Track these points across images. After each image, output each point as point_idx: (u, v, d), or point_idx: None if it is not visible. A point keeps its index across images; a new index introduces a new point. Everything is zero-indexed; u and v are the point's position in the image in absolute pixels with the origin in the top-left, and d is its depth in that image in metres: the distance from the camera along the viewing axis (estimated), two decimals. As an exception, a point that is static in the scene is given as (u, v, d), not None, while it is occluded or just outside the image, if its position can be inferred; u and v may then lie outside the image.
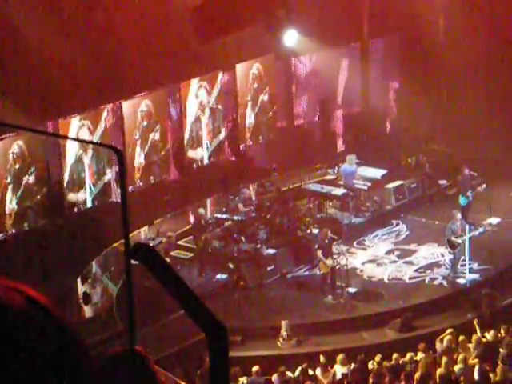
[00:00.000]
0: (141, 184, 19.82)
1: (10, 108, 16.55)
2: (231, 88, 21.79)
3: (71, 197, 18.38)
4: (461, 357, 13.71)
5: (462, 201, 18.76)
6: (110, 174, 19.00)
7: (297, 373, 14.17)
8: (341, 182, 20.09)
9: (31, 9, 17.32)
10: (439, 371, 13.50)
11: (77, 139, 18.59)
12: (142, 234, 18.64)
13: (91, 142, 19.66)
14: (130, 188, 19.11)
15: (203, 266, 17.58)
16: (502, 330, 14.75)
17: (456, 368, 13.61)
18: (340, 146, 23.58)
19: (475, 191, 18.85)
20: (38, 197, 17.79)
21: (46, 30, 17.48)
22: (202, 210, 18.70)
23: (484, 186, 18.99)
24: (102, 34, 18.57)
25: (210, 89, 21.09)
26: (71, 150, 18.36)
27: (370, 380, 13.95)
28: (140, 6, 19.38)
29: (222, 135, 21.51)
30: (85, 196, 18.63)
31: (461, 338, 14.43)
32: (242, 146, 22.18)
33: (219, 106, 21.32)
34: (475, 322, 14.96)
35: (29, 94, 17.22)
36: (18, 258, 16.64)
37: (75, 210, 18.49)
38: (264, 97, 22.33)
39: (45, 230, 17.85)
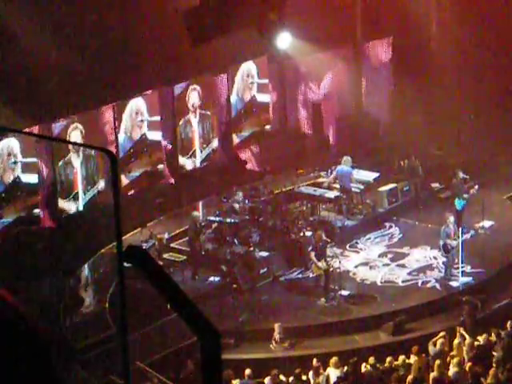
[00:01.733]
0: (134, 188, 19.84)
1: (1, 110, 16.52)
2: (224, 91, 21.79)
3: (63, 199, 18.34)
4: (456, 360, 13.70)
5: (457, 204, 18.76)
6: (102, 179, 18.95)
7: (291, 378, 14.15)
8: (336, 185, 20.06)
9: (24, 10, 17.29)
10: (432, 375, 13.49)
11: (70, 142, 18.57)
12: (135, 236, 18.60)
13: (85, 145, 19.62)
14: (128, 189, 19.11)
15: (197, 269, 17.55)
16: (493, 334, 14.76)
17: (451, 371, 13.61)
18: (333, 149, 23.58)
19: (469, 194, 18.86)
20: (32, 199, 17.77)
21: (39, 31, 17.45)
22: (196, 213, 18.65)
23: (477, 187, 19.00)
24: (95, 37, 18.54)
25: (202, 93, 21.09)
26: (62, 152, 18.32)
27: (363, 383, 13.95)
28: (133, 8, 19.36)
29: (214, 144, 21.50)
30: (77, 199, 18.59)
31: (456, 341, 14.42)
32: (234, 149, 22.17)
33: (208, 112, 21.31)
34: (460, 329, 14.86)
35: (21, 96, 17.17)
36: (11, 261, 16.60)
37: (68, 212, 18.44)
38: (257, 99, 22.33)
39: (37, 232, 17.80)
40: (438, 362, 13.58)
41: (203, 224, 18.43)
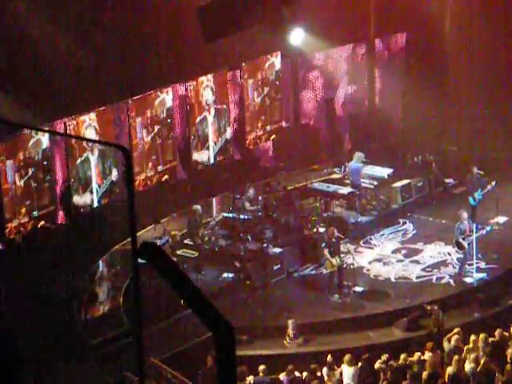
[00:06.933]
0: (148, 183, 19.88)
1: (17, 107, 16.58)
2: (237, 87, 21.79)
3: (78, 196, 18.39)
4: (472, 356, 13.65)
5: (471, 201, 18.70)
6: (116, 174, 19.01)
7: (305, 373, 14.16)
8: (347, 181, 20.08)
9: (39, 8, 17.35)
10: (449, 370, 13.44)
11: (84, 138, 18.62)
12: (149, 232, 18.64)
13: (99, 142, 19.67)
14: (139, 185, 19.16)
15: (202, 264, 17.47)
16: (511, 330, 14.71)
17: (467, 367, 13.55)
18: (346, 145, 23.57)
19: (485, 189, 18.77)
20: (46, 196, 17.84)
21: (54, 29, 17.51)
22: (197, 207, 18.53)
23: (494, 183, 18.89)
24: (109, 34, 18.59)
25: (216, 88, 21.10)
26: (77, 149, 18.39)
27: (377, 379, 13.94)
28: (147, 5, 19.40)
29: (227, 134, 21.52)
30: (91, 195, 18.65)
31: (472, 337, 14.33)
32: (247, 145, 22.18)
33: (224, 106, 21.33)
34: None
35: (36, 93, 17.24)
36: (26, 259, 16.67)
37: (82, 209, 18.50)
38: (270, 96, 22.33)
39: (52, 229, 17.87)
40: (456, 357, 13.52)
41: (209, 221, 18.46)
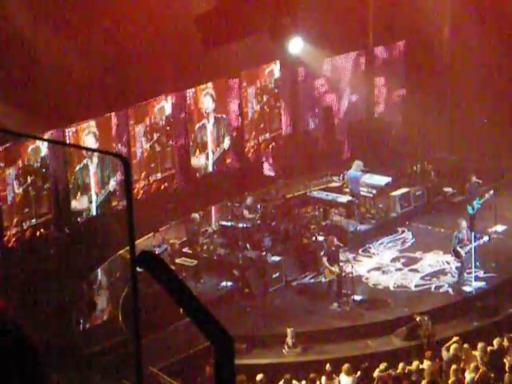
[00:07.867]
0: (145, 189, 19.88)
1: (16, 115, 16.58)
2: (236, 95, 21.80)
3: (76, 204, 18.38)
4: (472, 365, 13.62)
5: (469, 210, 18.69)
6: (113, 184, 18.98)
7: (303, 382, 14.12)
8: (346, 190, 20.08)
9: (37, 17, 17.37)
10: (450, 381, 13.39)
11: (82, 147, 18.60)
12: (148, 241, 18.61)
13: (98, 151, 19.65)
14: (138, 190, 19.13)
15: (201, 272, 17.45)
16: (506, 339, 14.67)
17: (467, 377, 13.51)
18: (345, 153, 23.57)
19: (483, 198, 18.76)
20: (45, 204, 17.83)
21: (53, 37, 17.53)
22: (195, 215, 18.52)
23: (492, 192, 18.89)
24: (108, 42, 18.60)
25: (216, 96, 21.10)
26: (77, 157, 18.38)
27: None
28: (146, 13, 19.42)
29: (225, 144, 21.50)
30: (90, 204, 18.63)
31: (465, 345, 14.32)
32: (246, 153, 22.17)
33: (224, 116, 21.32)
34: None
35: (35, 102, 17.25)
36: (25, 266, 16.65)
37: (80, 217, 18.48)
38: (269, 104, 22.34)
39: (51, 237, 17.85)
40: (454, 366, 13.50)
41: (208, 229, 18.44)
